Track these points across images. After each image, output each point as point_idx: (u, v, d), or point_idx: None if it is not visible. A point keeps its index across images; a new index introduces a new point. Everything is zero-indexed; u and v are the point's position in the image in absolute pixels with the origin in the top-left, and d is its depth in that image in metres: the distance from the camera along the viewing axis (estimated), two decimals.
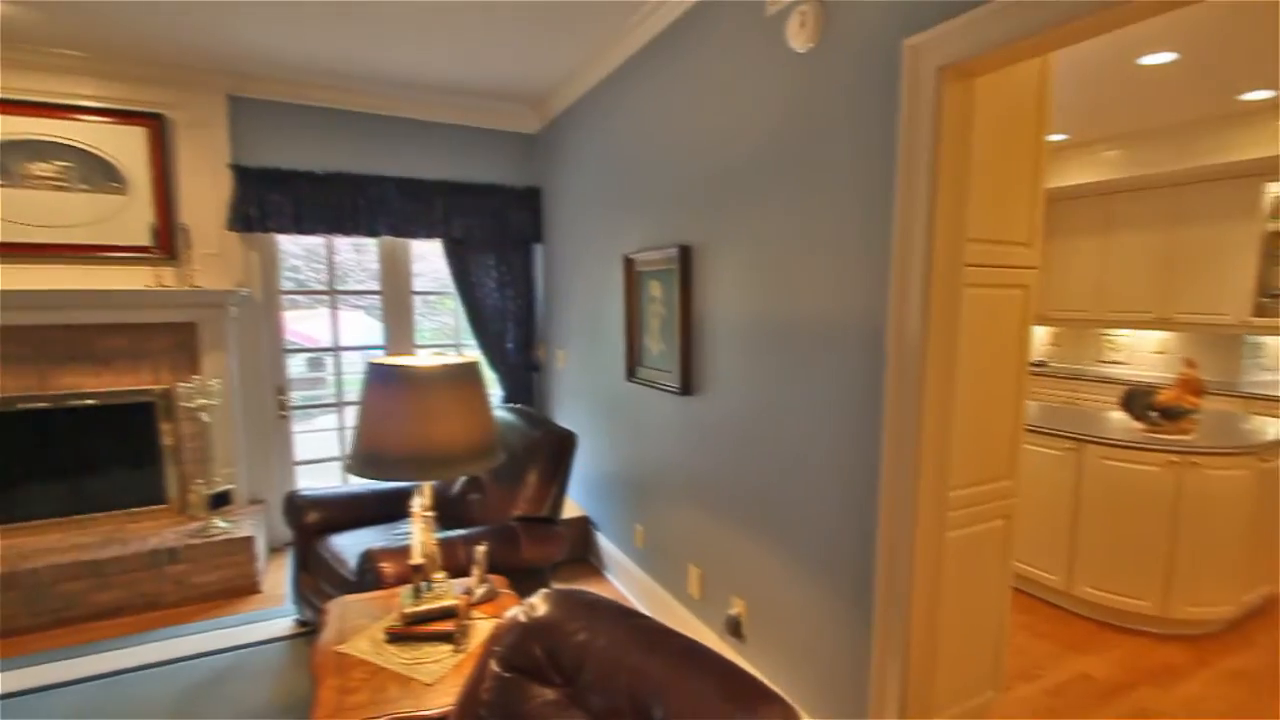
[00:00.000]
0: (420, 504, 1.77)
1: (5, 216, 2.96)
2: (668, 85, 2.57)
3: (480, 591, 1.94)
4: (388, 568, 2.20)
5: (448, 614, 1.78)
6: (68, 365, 3.15)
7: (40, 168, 3.00)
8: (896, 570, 1.74)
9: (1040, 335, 5.68)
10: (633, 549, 3.14)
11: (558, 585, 1.55)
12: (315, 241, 3.78)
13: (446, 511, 2.88)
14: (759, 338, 2.15)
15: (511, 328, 3.89)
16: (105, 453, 3.29)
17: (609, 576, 3.37)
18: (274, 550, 3.60)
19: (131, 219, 3.15)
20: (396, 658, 1.67)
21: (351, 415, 3.98)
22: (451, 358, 1.77)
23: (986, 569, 2.06)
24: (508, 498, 2.69)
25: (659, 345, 2.73)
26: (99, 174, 3.08)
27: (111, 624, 2.92)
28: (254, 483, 3.58)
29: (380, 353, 3.97)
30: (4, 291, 2.89)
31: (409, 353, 3.92)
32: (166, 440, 3.32)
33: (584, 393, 3.58)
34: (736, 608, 2.36)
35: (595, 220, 3.28)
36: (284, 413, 3.65)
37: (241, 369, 3.49)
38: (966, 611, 2.03)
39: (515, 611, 1.42)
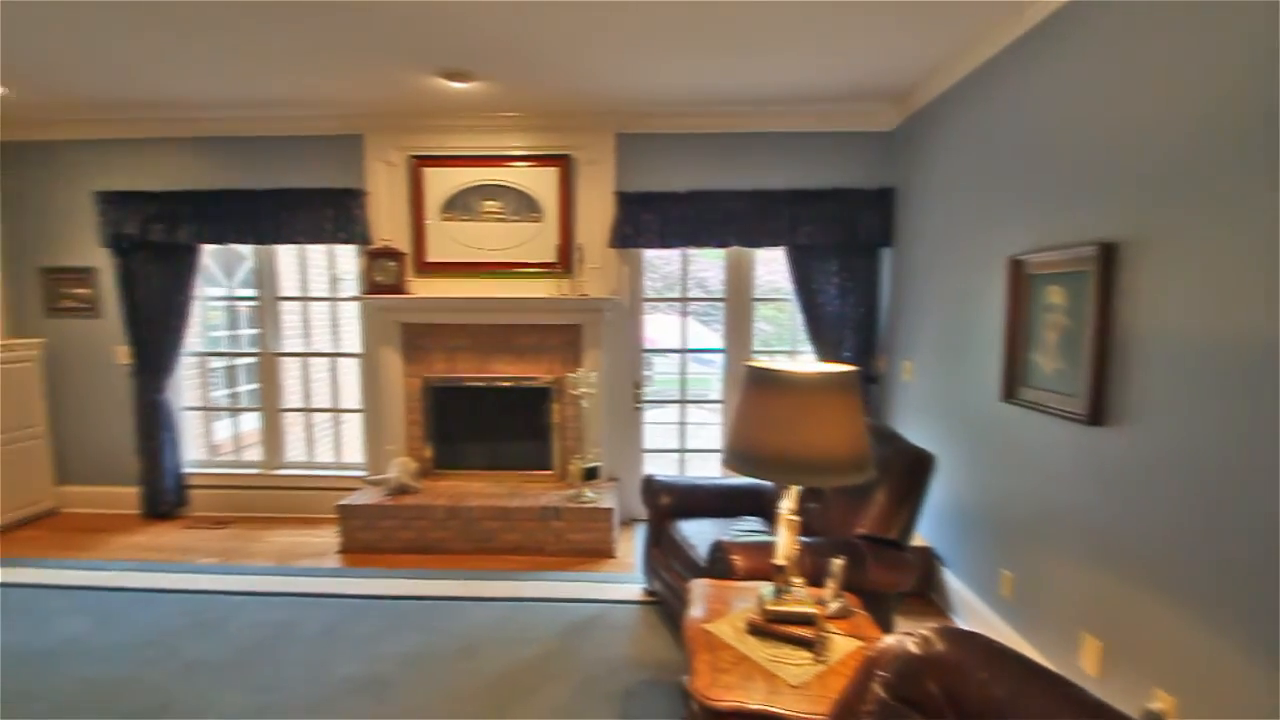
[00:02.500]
0: (787, 507, 1.80)
1: (466, 243, 3.99)
2: (1080, 62, 2.17)
3: (834, 606, 1.90)
4: (739, 561, 2.31)
5: (806, 620, 1.78)
6: (495, 355, 4.10)
7: (489, 205, 3.96)
8: None
9: None
10: (995, 597, 2.74)
11: (930, 622, 1.40)
12: (654, 255, 4.24)
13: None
14: (1234, 362, 1.65)
15: (850, 335, 3.78)
16: (514, 425, 4.20)
17: (956, 620, 3.01)
18: (623, 523, 4.12)
19: (543, 241, 3.95)
20: (759, 650, 1.73)
21: (694, 411, 4.35)
22: (831, 366, 1.77)
23: None
24: (850, 513, 2.59)
25: (1054, 363, 2.32)
26: (525, 207, 3.95)
27: (513, 559, 3.70)
28: (612, 462, 4.16)
29: (720, 356, 4.25)
30: (463, 298, 3.92)
31: (748, 356, 4.11)
32: (555, 419, 4.09)
33: (936, 410, 3.27)
34: (1160, 703, 1.86)
35: (965, 219, 2.96)
36: (638, 404, 4.17)
37: (608, 364, 4.09)
38: None
39: (903, 640, 1.33)
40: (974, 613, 2.87)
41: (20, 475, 4.24)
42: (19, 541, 3.98)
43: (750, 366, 1.77)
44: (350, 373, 4.47)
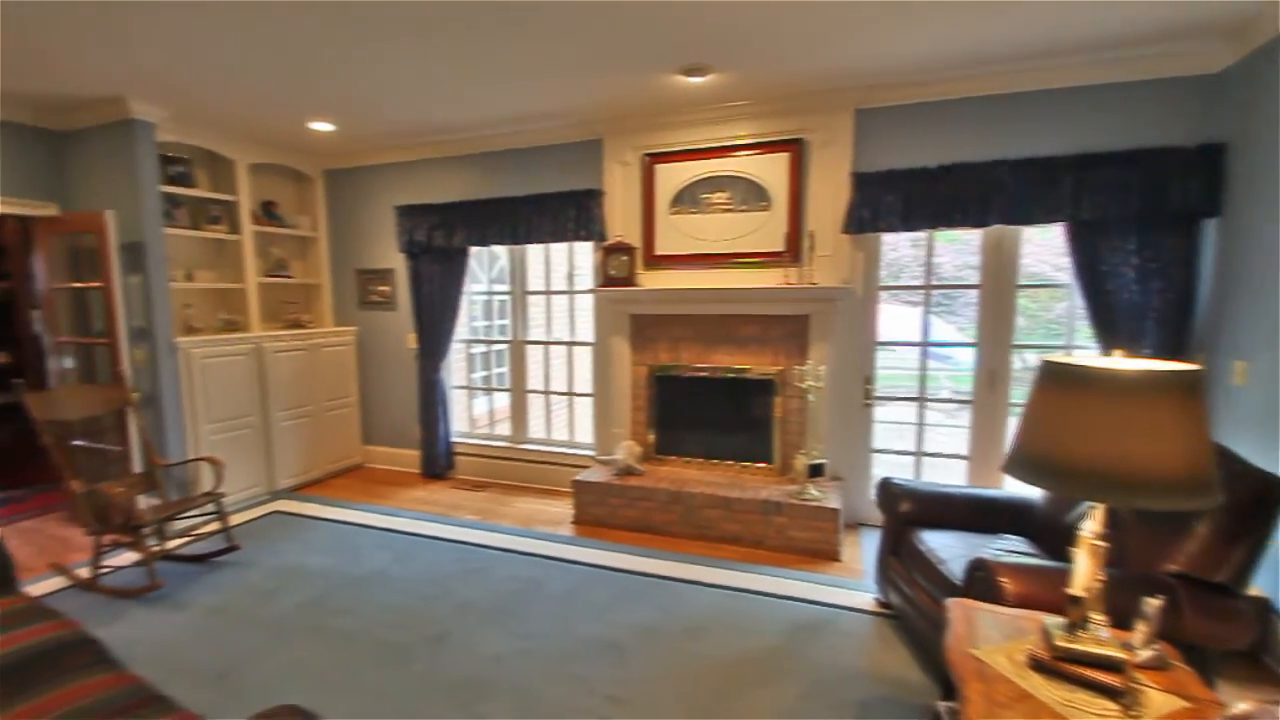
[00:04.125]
0: (1091, 530, 1.52)
1: (693, 235, 4.07)
2: None
3: (1146, 654, 1.56)
4: (1009, 585, 2.02)
5: (1110, 665, 1.49)
6: (718, 346, 4.13)
7: (717, 196, 3.99)
8: None
9: None
10: None
11: (1264, 692, 1.07)
12: (896, 239, 3.87)
13: (1055, 538, 2.51)
14: None
15: (1152, 328, 3.08)
16: (734, 415, 4.20)
17: None
18: (847, 525, 3.89)
19: (771, 230, 3.87)
20: (1046, 690, 1.48)
21: (930, 412, 3.95)
22: (1164, 364, 1.44)
23: None
24: (1154, 545, 2.13)
25: None
26: (753, 196, 3.90)
27: (731, 549, 3.70)
28: (837, 460, 3.95)
29: (958, 351, 3.79)
30: (688, 289, 4.00)
31: (1006, 352, 3.61)
32: (776, 412, 4.00)
33: None
34: None
35: None
36: (868, 401, 3.89)
37: (836, 357, 3.87)
38: None
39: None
40: None
41: (338, 435, 5.33)
42: (335, 488, 5.00)
43: (1050, 361, 1.52)
44: (584, 360, 4.85)
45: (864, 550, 3.65)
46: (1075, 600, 1.56)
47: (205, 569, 3.50)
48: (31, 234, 4.31)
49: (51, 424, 3.34)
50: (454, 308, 4.89)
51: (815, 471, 3.63)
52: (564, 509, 4.39)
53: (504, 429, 5.25)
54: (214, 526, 3.62)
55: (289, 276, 5.17)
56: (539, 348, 5.09)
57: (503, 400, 5.32)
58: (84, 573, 3.35)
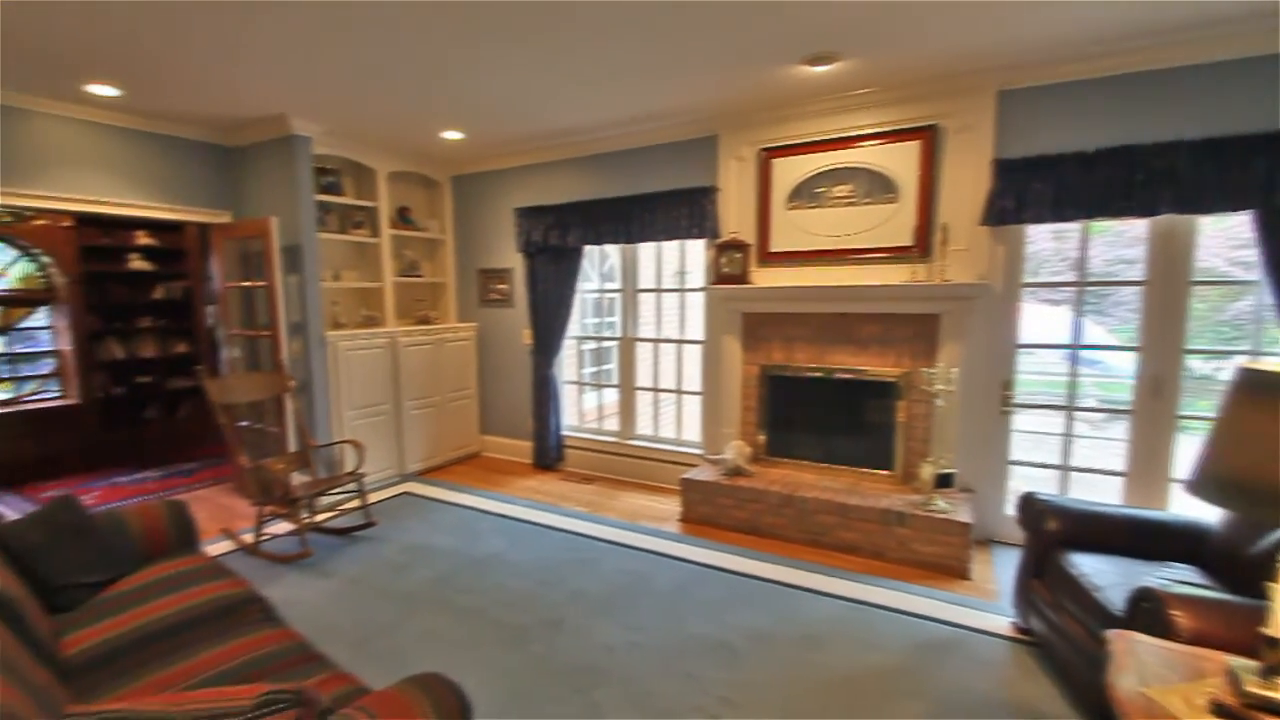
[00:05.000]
0: None
1: (811, 230, 3.93)
2: None
3: None
4: (1183, 619, 1.78)
5: None
6: (836, 346, 3.96)
7: (838, 190, 3.83)
8: None
9: None
10: None
11: None
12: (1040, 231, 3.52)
13: (1235, 569, 2.19)
14: None
15: None
16: (852, 419, 4.01)
17: None
18: (977, 542, 3.61)
19: (897, 224, 3.66)
20: None
21: (1075, 422, 3.58)
22: None
23: None
24: None
25: None
26: (878, 188, 3.71)
27: (847, 558, 3.54)
28: (967, 471, 3.67)
29: (1129, 355, 3.39)
30: (805, 287, 3.86)
31: (1175, 356, 3.20)
32: (899, 417, 3.78)
33: None
34: None
35: None
36: (1006, 408, 3.58)
37: (969, 360, 3.60)
38: None
39: None
40: None
41: (459, 425, 5.65)
42: (456, 473, 5.30)
43: (1249, 369, 1.32)
44: (693, 358, 4.83)
45: (997, 569, 3.37)
46: (1273, 642, 1.34)
47: (346, 542, 3.82)
48: (208, 239, 4.92)
49: (225, 406, 3.78)
50: (567, 305, 5.04)
51: (943, 482, 3.40)
52: (670, 506, 4.40)
53: (612, 424, 5.35)
54: (355, 504, 3.96)
55: (419, 276, 5.55)
56: (648, 345, 5.13)
57: (611, 396, 5.42)
58: (248, 538, 3.77)
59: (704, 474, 4.14)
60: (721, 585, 3.25)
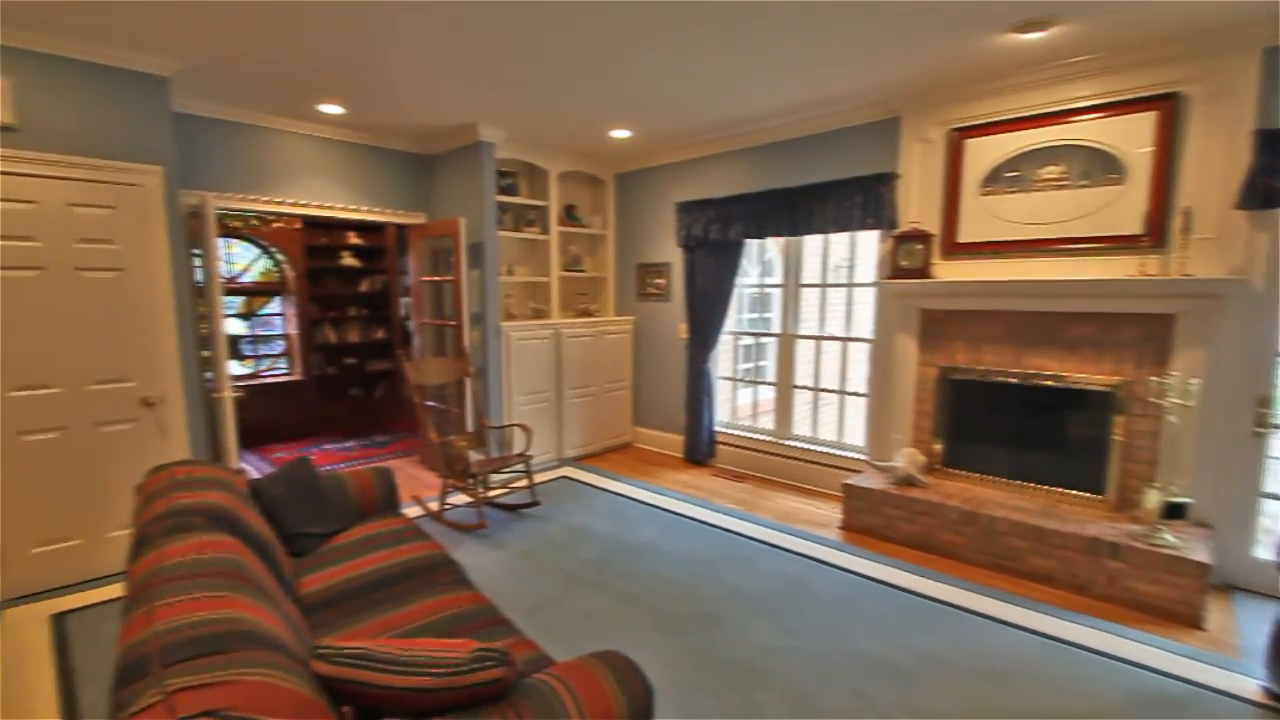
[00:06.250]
0: None
1: (1010, 218, 3.52)
2: None
3: None
4: None
5: None
6: (1035, 348, 3.52)
7: (1047, 171, 3.39)
8: None
9: None
10: None
11: None
12: None
13: None
14: None
15: None
16: (1052, 432, 3.55)
17: None
18: (1214, 586, 3.03)
19: (1123, 208, 3.16)
20: None
21: None
22: None
23: None
24: None
25: None
26: (1099, 168, 3.22)
27: (1040, 588, 3.13)
28: (1205, 502, 3.08)
29: None
30: (1003, 282, 3.46)
31: None
32: (1115, 433, 3.27)
33: None
34: None
35: None
36: (1261, 430, 2.96)
37: (1213, 369, 3.01)
38: None
39: None
40: None
41: (613, 415, 5.83)
42: (609, 461, 5.47)
43: None
44: (858, 357, 4.56)
45: (1240, 621, 2.80)
46: None
47: (514, 518, 4.09)
48: (406, 238, 5.52)
49: (418, 387, 4.21)
50: (725, 300, 4.99)
51: (1173, 512, 2.88)
52: (827, 511, 4.19)
53: (766, 423, 5.21)
54: (523, 483, 4.23)
55: (582, 271, 5.80)
56: (809, 342, 4.93)
57: (767, 394, 5.28)
58: (433, 506, 4.17)
59: (869, 481, 3.88)
60: (889, 601, 3.02)
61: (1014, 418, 3.66)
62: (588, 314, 5.77)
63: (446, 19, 2.80)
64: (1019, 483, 3.62)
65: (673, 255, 5.43)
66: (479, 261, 4.78)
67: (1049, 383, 3.45)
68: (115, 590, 3.11)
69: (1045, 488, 3.53)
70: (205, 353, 3.76)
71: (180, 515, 1.74)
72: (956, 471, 3.85)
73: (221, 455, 3.81)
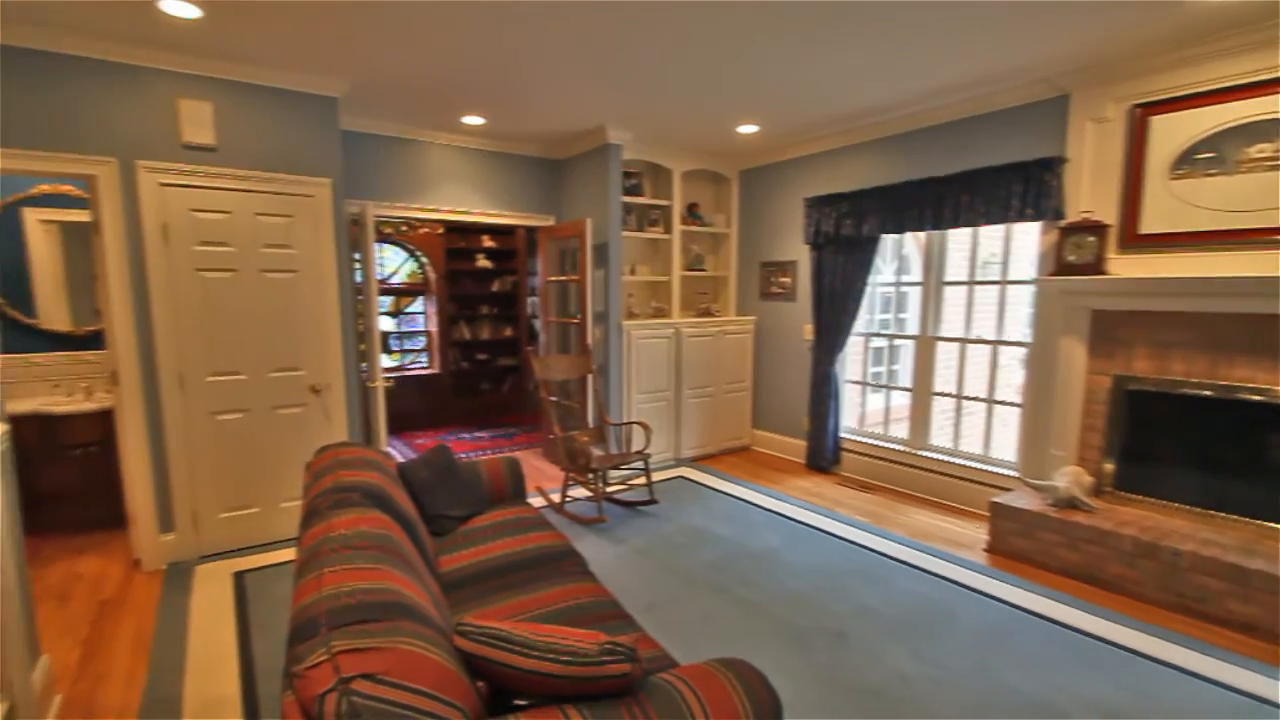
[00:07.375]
0: None
1: (1208, 205, 3.02)
2: None
3: None
4: None
5: None
6: (1238, 356, 2.99)
7: (1257, 149, 2.87)
8: None
9: None
10: None
11: None
12: None
13: None
14: None
15: None
16: (1255, 455, 3.00)
17: None
18: None
19: None
20: None
21: None
22: None
23: None
24: None
25: None
26: None
27: (1235, 637, 2.65)
28: None
29: None
30: (1201, 278, 2.98)
31: None
32: None
33: None
34: None
35: None
36: None
37: None
38: None
39: None
40: None
41: (732, 416, 5.71)
42: (726, 464, 5.36)
43: None
44: (1010, 363, 4.13)
45: None
46: None
47: (632, 515, 4.12)
48: (534, 240, 5.76)
49: (544, 382, 4.37)
50: (856, 299, 4.72)
51: None
52: (969, 531, 3.83)
53: (899, 430, 4.87)
54: (641, 480, 4.25)
55: (703, 270, 5.75)
56: (952, 345, 4.54)
57: (900, 400, 4.94)
58: (555, 498, 4.31)
59: (1023, 501, 3.49)
60: (1046, 636, 2.69)
61: (1207, 436, 3.13)
62: (708, 314, 5.71)
63: (575, 31, 2.87)
64: (1210, 512, 3.10)
65: (799, 253, 5.23)
66: (603, 261, 4.88)
67: (1256, 397, 2.91)
68: (285, 554, 3.50)
69: (1244, 520, 2.99)
70: (361, 346, 4.15)
71: (343, 491, 1.90)
72: (1131, 495, 3.36)
73: (373, 439, 4.18)
